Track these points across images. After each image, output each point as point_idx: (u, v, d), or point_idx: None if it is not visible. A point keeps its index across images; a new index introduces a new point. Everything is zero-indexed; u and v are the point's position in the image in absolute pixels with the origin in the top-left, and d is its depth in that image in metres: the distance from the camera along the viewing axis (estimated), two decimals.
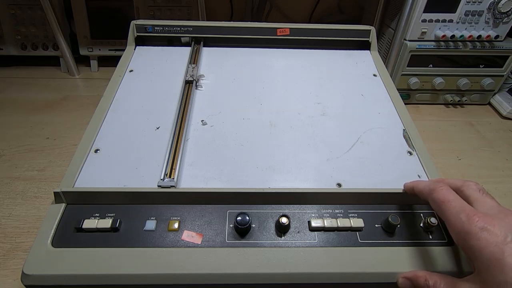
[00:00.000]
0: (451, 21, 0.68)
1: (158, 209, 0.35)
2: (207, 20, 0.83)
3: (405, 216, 0.35)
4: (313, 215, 0.35)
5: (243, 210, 0.34)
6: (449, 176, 0.61)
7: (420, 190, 0.32)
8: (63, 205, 0.35)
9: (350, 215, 0.35)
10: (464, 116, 0.78)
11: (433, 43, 0.71)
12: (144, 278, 0.31)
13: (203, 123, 0.44)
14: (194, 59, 0.56)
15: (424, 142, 0.43)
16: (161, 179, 0.36)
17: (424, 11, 0.67)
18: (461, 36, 0.69)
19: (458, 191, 0.30)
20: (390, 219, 0.33)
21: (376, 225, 0.34)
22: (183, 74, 0.52)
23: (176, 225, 0.34)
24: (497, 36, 0.70)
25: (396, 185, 0.37)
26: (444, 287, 0.26)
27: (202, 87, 0.51)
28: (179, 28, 0.59)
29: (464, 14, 0.67)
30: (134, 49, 0.58)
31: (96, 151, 0.40)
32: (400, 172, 0.39)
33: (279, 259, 0.32)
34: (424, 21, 0.68)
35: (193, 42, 0.59)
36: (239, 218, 0.32)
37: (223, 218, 0.35)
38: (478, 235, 0.24)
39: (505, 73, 0.76)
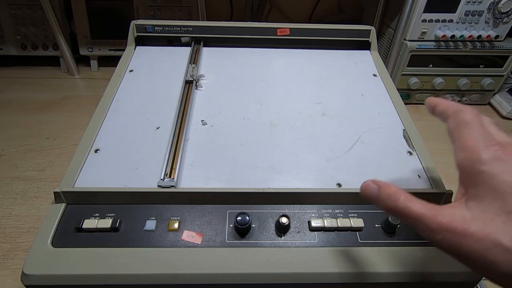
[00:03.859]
0: (451, 21, 0.68)
1: (158, 209, 0.35)
2: (207, 20, 0.83)
3: None
4: (313, 215, 0.35)
5: (243, 210, 0.34)
6: (449, 177, 0.61)
7: (445, 108, 0.29)
8: (63, 205, 0.35)
9: (350, 215, 0.35)
10: None
11: (433, 43, 0.71)
12: (144, 278, 0.31)
13: (203, 123, 0.44)
14: (194, 59, 0.56)
15: (424, 142, 0.43)
16: (161, 179, 0.36)
17: (424, 11, 0.67)
18: (461, 36, 0.69)
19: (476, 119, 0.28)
20: (390, 219, 0.33)
21: (376, 225, 0.34)
22: (183, 74, 0.52)
23: (176, 225, 0.34)
24: (497, 36, 0.70)
25: (396, 185, 0.37)
26: (420, 207, 0.23)
27: (202, 87, 0.51)
28: (179, 28, 0.59)
29: (464, 14, 0.67)
30: (134, 49, 0.58)
31: (96, 151, 0.40)
32: (400, 172, 0.39)
33: (279, 259, 0.32)
34: (424, 21, 0.68)
35: (193, 42, 0.59)
36: (239, 218, 0.32)
37: (223, 218, 0.35)
38: (493, 161, 0.23)
39: (505, 73, 0.76)
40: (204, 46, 0.60)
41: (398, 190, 0.25)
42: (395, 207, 0.24)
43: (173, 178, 0.36)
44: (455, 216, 0.22)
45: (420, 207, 0.23)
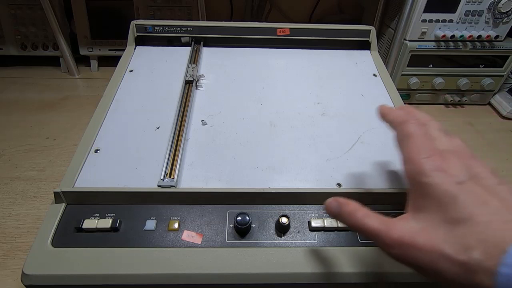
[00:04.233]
0: (451, 21, 0.68)
1: (158, 209, 0.35)
2: (207, 20, 0.83)
3: None
4: (313, 215, 0.35)
5: (243, 210, 0.34)
6: None
7: (392, 119, 0.30)
8: (63, 205, 0.35)
9: None
10: (464, 116, 0.78)
11: (433, 43, 0.71)
12: (144, 278, 0.31)
13: (203, 123, 0.44)
14: (194, 59, 0.56)
15: None
16: (161, 179, 0.36)
17: (424, 11, 0.67)
18: (461, 36, 0.69)
19: (424, 126, 0.29)
20: None
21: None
22: (183, 74, 0.52)
23: (176, 225, 0.34)
24: (497, 36, 0.70)
25: (396, 185, 0.37)
26: (375, 222, 0.24)
27: (202, 87, 0.51)
28: (179, 28, 0.59)
29: (464, 14, 0.67)
30: (134, 49, 0.59)
31: (96, 151, 0.40)
32: (400, 172, 0.39)
33: (279, 259, 0.32)
34: (424, 21, 0.68)
35: (193, 42, 0.59)
36: (239, 218, 0.32)
37: (223, 218, 0.35)
38: (434, 173, 0.23)
39: (505, 73, 0.76)
40: (204, 46, 0.60)
41: (357, 207, 0.26)
42: (354, 223, 0.25)
43: (173, 178, 0.36)
44: (405, 230, 0.23)
45: (375, 223, 0.24)
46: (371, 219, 0.24)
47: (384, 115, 0.31)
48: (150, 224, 0.34)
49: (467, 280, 0.20)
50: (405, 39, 0.71)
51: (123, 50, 0.58)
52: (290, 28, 0.59)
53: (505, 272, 0.18)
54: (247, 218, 0.32)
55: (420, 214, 0.23)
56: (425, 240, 0.22)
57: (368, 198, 0.36)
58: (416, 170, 0.24)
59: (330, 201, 0.28)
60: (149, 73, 0.53)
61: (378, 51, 0.60)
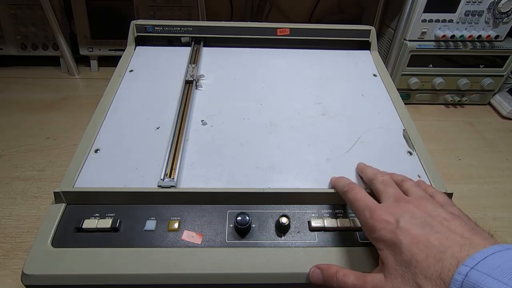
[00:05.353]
0: (451, 21, 0.68)
1: (158, 209, 0.35)
2: (207, 20, 0.83)
3: None
4: (313, 215, 0.35)
5: (243, 210, 0.34)
6: (449, 177, 0.62)
7: (338, 190, 0.34)
8: (63, 205, 0.35)
9: (350, 215, 0.35)
10: (464, 116, 0.78)
11: (433, 43, 0.71)
12: (144, 278, 0.31)
13: (203, 123, 0.44)
14: (194, 59, 0.56)
15: (424, 142, 0.43)
16: (161, 179, 0.36)
17: (424, 11, 0.67)
18: (461, 36, 0.69)
19: (370, 184, 0.33)
20: None
21: None
22: (183, 74, 0.52)
23: (176, 225, 0.34)
24: (497, 36, 0.70)
25: None
26: (353, 279, 0.27)
27: (202, 87, 0.51)
28: (179, 28, 0.59)
29: (464, 14, 0.67)
30: (134, 49, 0.58)
31: (96, 151, 0.40)
32: (400, 172, 0.39)
33: (279, 259, 0.32)
34: (424, 21, 0.68)
35: (193, 42, 0.59)
36: (239, 218, 0.32)
37: (223, 218, 0.35)
38: (378, 227, 0.27)
39: (505, 73, 0.76)
40: (204, 46, 0.60)
41: (338, 269, 0.29)
42: (336, 284, 0.28)
43: (173, 178, 0.36)
44: (376, 282, 0.26)
45: (353, 280, 0.27)
46: (349, 276, 0.28)
47: (333, 187, 0.36)
48: (150, 224, 0.34)
49: None
50: (405, 39, 0.71)
51: (123, 50, 0.58)
52: (290, 28, 0.59)
53: None
54: (247, 218, 0.32)
55: (384, 265, 0.26)
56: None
57: None
58: (367, 229, 0.28)
59: (313, 269, 0.30)
60: (149, 73, 0.53)
61: (378, 51, 0.60)
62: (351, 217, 0.35)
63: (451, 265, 0.22)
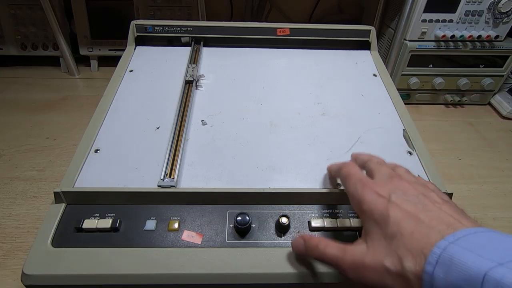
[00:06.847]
0: (451, 21, 0.68)
1: (158, 209, 0.35)
2: (207, 20, 0.83)
3: None
4: (313, 215, 0.35)
5: (243, 210, 0.34)
6: (449, 177, 0.62)
7: (333, 170, 0.35)
8: (63, 205, 0.35)
9: (350, 215, 0.35)
10: (464, 116, 0.78)
11: (433, 43, 0.71)
12: (144, 278, 0.31)
13: (203, 123, 0.44)
14: (194, 59, 0.56)
15: (424, 142, 0.43)
16: (161, 179, 0.36)
17: (424, 11, 0.67)
18: (461, 36, 0.69)
19: (364, 166, 0.33)
20: None
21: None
22: (183, 74, 0.52)
23: (176, 225, 0.34)
24: (497, 36, 0.70)
25: None
26: (334, 250, 0.27)
27: (202, 87, 0.51)
28: (179, 28, 0.59)
29: (464, 14, 0.67)
30: (134, 49, 0.58)
31: (96, 151, 0.40)
32: None
33: (279, 259, 0.32)
34: (424, 21, 0.68)
35: (193, 42, 0.59)
36: (239, 218, 0.32)
37: (223, 218, 0.35)
38: (368, 199, 0.27)
39: (505, 73, 0.76)
40: (204, 46, 0.60)
41: (320, 240, 0.29)
42: (317, 254, 0.28)
43: (173, 178, 0.36)
44: (357, 253, 0.26)
45: (334, 251, 0.27)
46: (331, 248, 0.27)
47: (328, 172, 0.37)
48: (150, 224, 0.34)
49: None
50: (405, 39, 0.71)
51: (123, 50, 0.58)
52: (290, 28, 0.59)
53: (428, 270, 0.21)
54: (247, 218, 0.32)
55: (367, 236, 0.26)
56: (372, 259, 0.24)
57: None
58: (356, 201, 0.28)
59: (297, 239, 0.30)
60: (149, 73, 0.53)
61: (378, 51, 0.60)
62: (351, 217, 0.35)
63: (435, 241, 0.22)
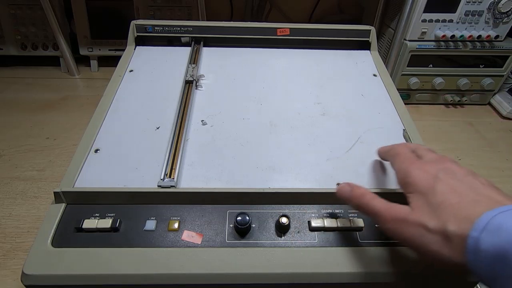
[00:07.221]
0: (451, 21, 0.68)
1: (158, 209, 0.35)
2: (207, 20, 0.83)
3: None
4: (313, 215, 0.35)
5: (243, 210, 0.34)
6: None
7: (382, 151, 0.38)
8: (63, 205, 0.35)
9: (350, 215, 0.35)
10: (464, 116, 0.78)
11: (433, 43, 0.71)
12: (144, 278, 0.31)
13: (203, 123, 0.44)
14: (194, 59, 0.56)
15: (424, 142, 0.43)
16: (161, 179, 0.36)
17: (424, 11, 0.67)
18: (461, 36, 0.69)
19: (414, 151, 0.34)
20: None
21: (376, 225, 0.34)
22: (183, 74, 0.52)
23: (176, 225, 0.34)
24: (497, 36, 0.70)
25: (396, 185, 0.37)
26: (379, 204, 0.29)
27: (202, 87, 0.51)
28: (179, 28, 0.59)
29: (464, 14, 0.67)
30: (134, 49, 0.58)
31: (96, 151, 0.40)
32: None
33: (279, 259, 0.32)
34: (424, 21, 0.68)
35: (193, 42, 0.59)
36: (239, 218, 0.32)
37: (223, 218, 0.35)
38: (415, 174, 0.29)
39: (505, 73, 0.76)
40: (204, 46, 0.60)
41: (366, 191, 0.31)
42: (362, 204, 0.30)
43: (173, 178, 0.36)
44: (401, 210, 0.28)
45: (378, 203, 0.29)
46: (377, 201, 0.29)
47: (379, 154, 0.39)
48: (150, 224, 0.34)
49: (446, 248, 0.24)
50: (405, 39, 0.71)
51: (123, 50, 0.58)
52: (290, 28, 0.59)
53: (474, 235, 0.22)
54: (247, 218, 0.32)
55: (411, 203, 0.28)
56: (415, 218, 0.26)
57: None
58: (401, 175, 0.30)
59: (343, 185, 0.32)
60: (149, 73, 0.53)
61: (378, 51, 0.60)
62: (351, 217, 0.35)
63: (482, 211, 0.23)
